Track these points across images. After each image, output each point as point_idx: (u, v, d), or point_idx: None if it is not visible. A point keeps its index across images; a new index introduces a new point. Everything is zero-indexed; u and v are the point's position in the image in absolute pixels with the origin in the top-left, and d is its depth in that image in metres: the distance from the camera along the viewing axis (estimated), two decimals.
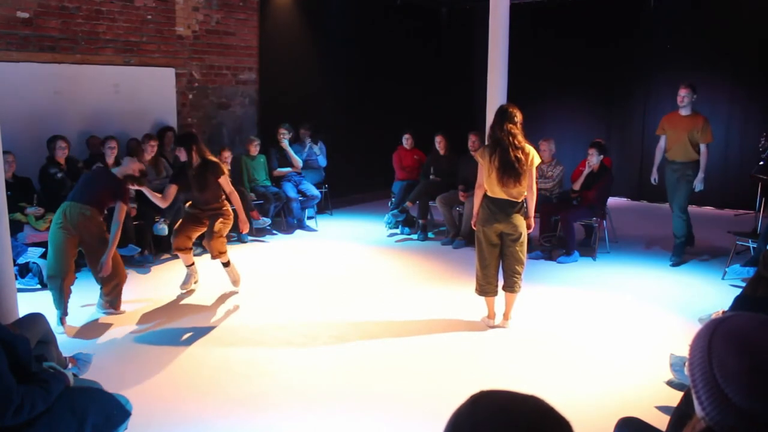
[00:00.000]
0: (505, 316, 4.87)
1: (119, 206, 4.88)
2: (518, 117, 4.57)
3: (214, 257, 5.57)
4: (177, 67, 7.81)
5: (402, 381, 3.95)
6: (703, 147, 6.36)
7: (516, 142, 4.51)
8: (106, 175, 5.16)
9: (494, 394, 1.00)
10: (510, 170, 4.48)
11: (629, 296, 5.55)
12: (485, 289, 4.77)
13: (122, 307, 5.13)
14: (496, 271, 4.77)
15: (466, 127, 8.58)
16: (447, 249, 7.26)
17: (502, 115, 4.59)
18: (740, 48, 9.09)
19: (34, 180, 6.26)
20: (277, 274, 6.24)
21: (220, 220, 5.49)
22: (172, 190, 5.53)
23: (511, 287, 4.76)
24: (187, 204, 5.78)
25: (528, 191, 4.64)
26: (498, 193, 4.57)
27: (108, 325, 4.86)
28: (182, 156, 5.47)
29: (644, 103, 10.15)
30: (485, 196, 4.66)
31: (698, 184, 6.43)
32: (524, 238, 4.69)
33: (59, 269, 4.76)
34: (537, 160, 4.62)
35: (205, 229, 5.54)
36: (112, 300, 5.06)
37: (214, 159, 5.52)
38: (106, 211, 5.05)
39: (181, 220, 5.74)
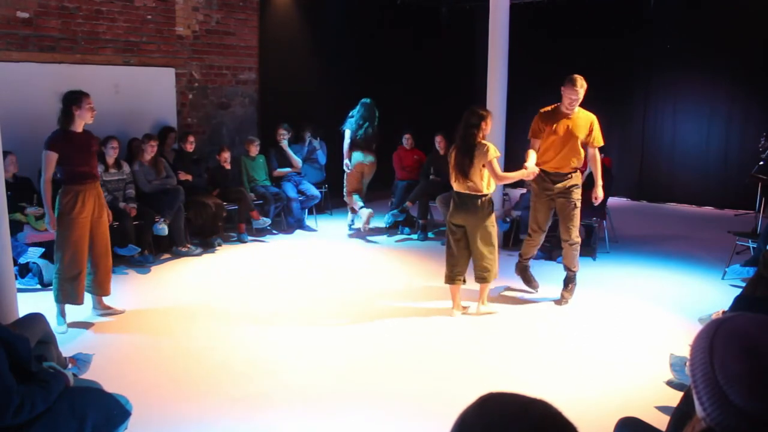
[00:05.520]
0: (480, 301, 5.14)
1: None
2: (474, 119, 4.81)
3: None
4: (177, 67, 7.81)
5: (402, 381, 3.95)
6: (592, 151, 5.21)
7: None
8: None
9: (502, 397, 1.00)
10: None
11: (629, 296, 5.55)
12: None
13: (122, 307, 5.13)
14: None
15: None
16: None
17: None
18: (740, 48, 9.10)
19: (34, 180, 6.25)
20: (277, 275, 6.24)
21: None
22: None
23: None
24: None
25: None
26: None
27: (108, 326, 4.86)
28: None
29: (644, 102, 10.16)
30: None
31: (599, 191, 5.27)
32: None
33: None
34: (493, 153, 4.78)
35: None
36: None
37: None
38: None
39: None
